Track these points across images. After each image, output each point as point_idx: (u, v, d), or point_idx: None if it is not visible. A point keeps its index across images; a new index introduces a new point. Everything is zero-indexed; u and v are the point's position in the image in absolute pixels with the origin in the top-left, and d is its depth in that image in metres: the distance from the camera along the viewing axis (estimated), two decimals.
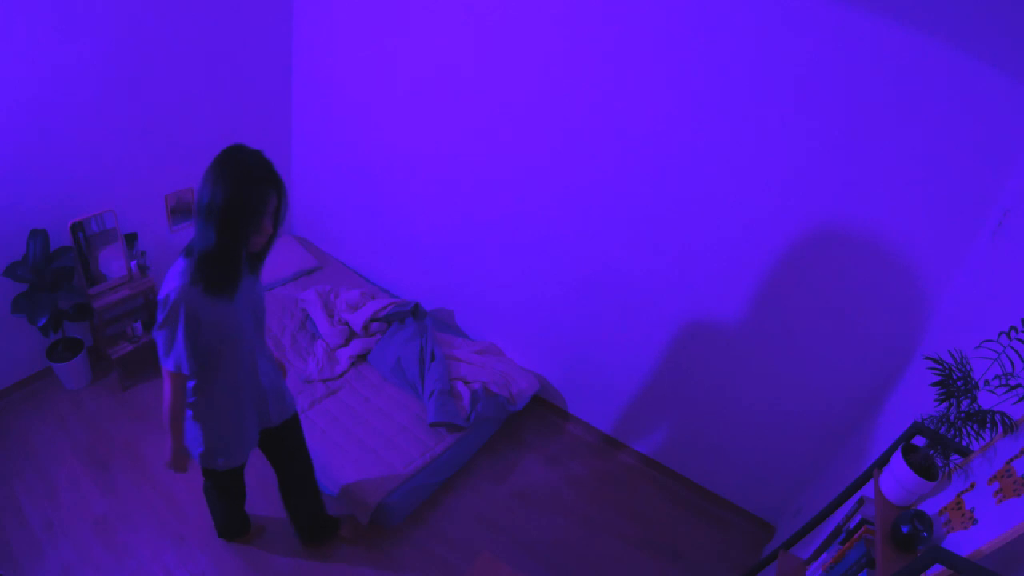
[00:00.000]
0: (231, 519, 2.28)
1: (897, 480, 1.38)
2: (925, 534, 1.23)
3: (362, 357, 3.05)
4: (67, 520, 2.36)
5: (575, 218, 2.66)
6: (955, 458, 1.36)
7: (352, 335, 3.13)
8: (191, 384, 1.67)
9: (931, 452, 1.36)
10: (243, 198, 1.46)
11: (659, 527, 2.76)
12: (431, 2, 2.65)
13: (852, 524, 1.58)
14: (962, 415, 1.27)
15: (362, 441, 2.56)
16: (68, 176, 2.59)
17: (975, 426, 1.25)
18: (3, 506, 2.36)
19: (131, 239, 2.86)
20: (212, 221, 1.43)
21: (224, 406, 1.74)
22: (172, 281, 1.48)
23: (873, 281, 2.07)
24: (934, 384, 1.34)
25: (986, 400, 1.26)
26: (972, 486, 1.25)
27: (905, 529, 1.25)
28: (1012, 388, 1.18)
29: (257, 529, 2.42)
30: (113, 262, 2.78)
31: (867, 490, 1.63)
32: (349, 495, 2.37)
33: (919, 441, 1.46)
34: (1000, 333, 1.21)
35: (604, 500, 2.84)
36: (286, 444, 2.03)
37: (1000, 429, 1.21)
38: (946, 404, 1.32)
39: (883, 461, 1.52)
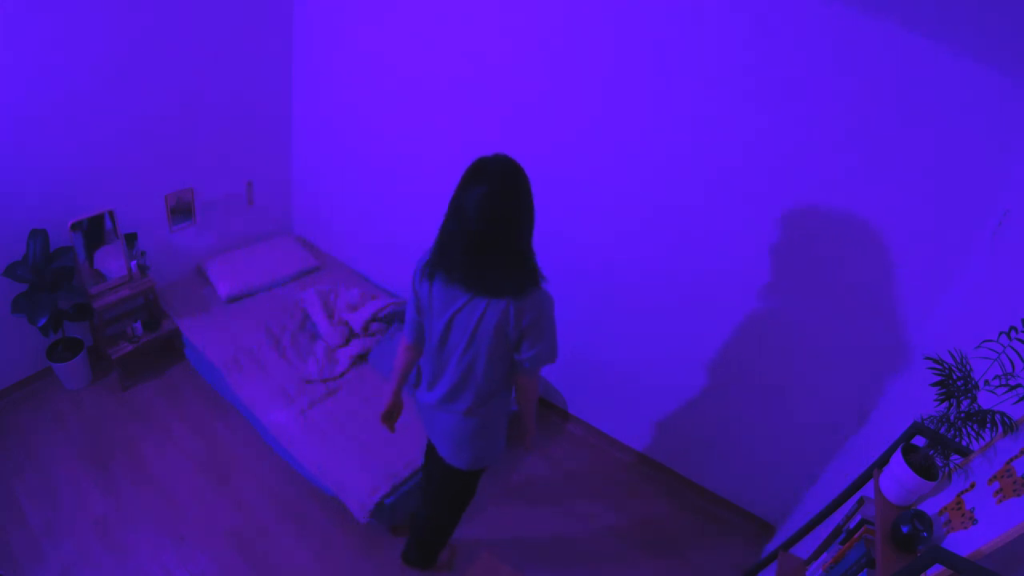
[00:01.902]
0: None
1: (897, 480, 1.38)
2: (925, 534, 1.23)
3: (362, 357, 3.04)
4: (67, 520, 2.36)
5: (574, 217, 2.66)
6: (955, 458, 1.36)
7: (352, 335, 3.13)
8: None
9: (931, 452, 1.36)
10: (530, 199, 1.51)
11: (659, 527, 2.76)
12: (433, 3, 2.66)
13: (852, 524, 1.58)
14: (962, 415, 1.27)
15: (362, 441, 2.56)
16: (68, 176, 2.59)
17: (975, 426, 1.25)
18: (3, 506, 2.37)
19: (131, 239, 2.86)
20: (530, 226, 1.53)
21: None
22: (542, 292, 1.54)
23: (872, 281, 2.07)
24: (934, 384, 1.34)
25: (986, 400, 1.26)
26: (972, 486, 1.25)
27: (905, 529, 1.25)
28: (1012, 388, 1.18)
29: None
30: (113, 262, 2.78)
31: (867, 490, 1.63)
32: (349, 495, 2.37)
33: (919, 441, 1.46)
34: (1000, 333, 1.21)
35: (604, 500, 2.84)
36: None
37: (1000, 429, 1.21)
38: (946, 404, 1.32)
39: (883, 461, 1.52)
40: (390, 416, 1.97)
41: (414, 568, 2.37)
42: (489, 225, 1.43)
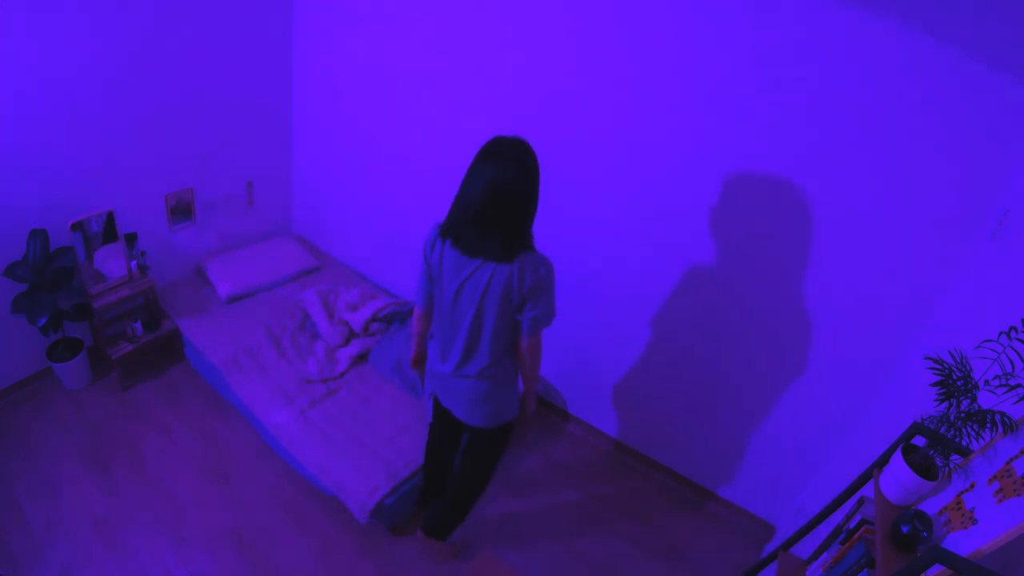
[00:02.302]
0: None
1: (897, 480, 1.38)
2: (925, 534, 1.23)
3: (362, 357, 3.05)
4: (67, 520, 2.36)
5: (573, 217, 2.66)
6: (955, 458, 1.36)
7: (352, 335, 3.13)
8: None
9: (931, 452, 1.36)
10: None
11: (659, 527, 2.76)
12: (433, 4, 2.66)
13: (852, 524, 1.58)
14: (962, 415, 1.28)
15: (362, 441, 2.56)
16: (68, 176, 2.59)
17: (975, 426, 1.25)
18: (3, 506, 2.36)
19: (131, 239, 2.86)
20: (535, 204, 1.66)
21: None
22: (542, 258, 1.69)
23: (872, 280, 2.07)
24: (934, 384, 1.34)
25: (986, 400, 1.26)
26: (972, 486, 1.25)
27: (905, 529, 1.25)
28: (1012, 388, 1.18)
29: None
30: (113, 262, 2.78)
31: (867, 490, 1.63)
32: (349, 495, 2.37)
33: (919, 441, 1.46)
34: (1000, 333, 1.21)
35: (604, 500, 2.84)
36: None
37: (1000, 429, 1.21)
38: (946, 404, 1.32)
39: (883, 461, 1.52)
40: (419, 361, 2.11)
41: (439, 538, 2.40)
42: (501, 199, 1.57)
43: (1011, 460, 1.18)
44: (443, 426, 2.17)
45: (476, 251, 1.66)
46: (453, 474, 2.29)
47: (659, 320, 2.65)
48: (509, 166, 1.56)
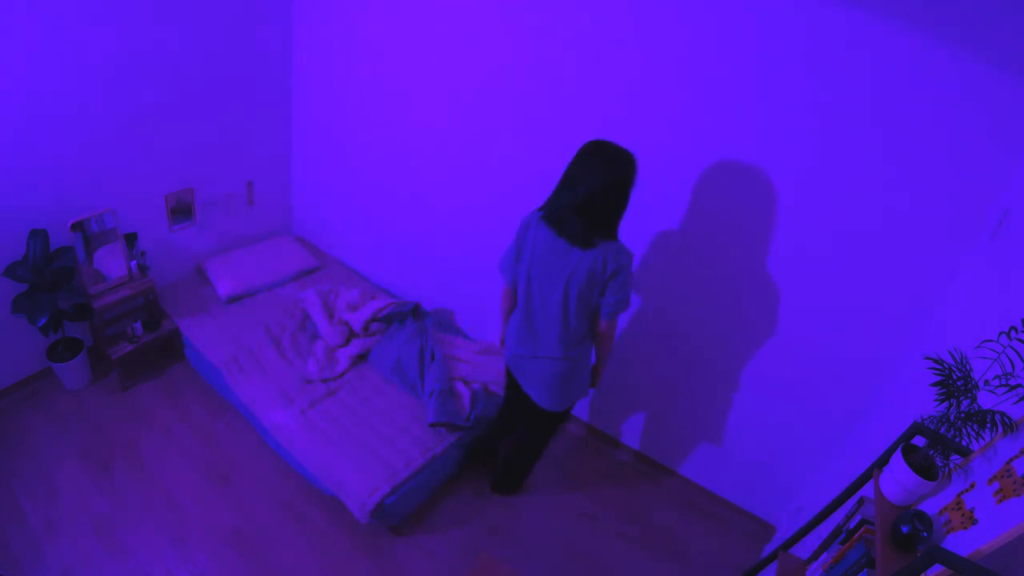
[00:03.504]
0: None
1: (897, 480, 1.38)
2: (925, 534, 1.23)
3: (362, 357, 3.04)
4: (67, 520, 2.36)
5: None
6: (955, 458, 1.36)
7: (352, 335, 3.13)
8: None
9: (931, 452, 1.36)
10: None
11: (659, 527, 2.76)
12: (433, 4, 2.66)
13: (852, 524, 1.58)
14: (962, 415, 1.28)
15: (362, 441, 2.56)
16: (68, 176, 2.59)
17: (975, 426, 1.25)
18: (3, 506, 2.36)
19: (131, 239, 2.86)
20: (626, 202, 1.85)
21: None
22: (624, 248, 1.87)
23: (872, 281, 2.07)
24: (934, 384, 1.34)
25: (986, 400, 1.26)
26: (972, 486, 1.25)
27: (905, 529, 1.25)
28: (1012, 388, 1.18)
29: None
30: (113, 262, 2.78)
31: (867, 490, 1.64)
32: (349, 495, 2.37)
33: (919, 441, 1.46)
34: (1000, 333, 1.21)
35: (604, 500, 2.84)
36: None
37: (1000, 429, 1.21)
38: (946, 404, 1.32)
39: (883, 461, 1.52)
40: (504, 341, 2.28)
41: (507, 495, 2.75)
42: (600, 195, 1.78)
43: (1011, 460, 1.18)
44: (515, 399, 2.38)
45: (573, 238, 1.85)
46: (515, 440, 2.57)
47: (659, 321, 2.65)
48: (610, 168, 1.77)
